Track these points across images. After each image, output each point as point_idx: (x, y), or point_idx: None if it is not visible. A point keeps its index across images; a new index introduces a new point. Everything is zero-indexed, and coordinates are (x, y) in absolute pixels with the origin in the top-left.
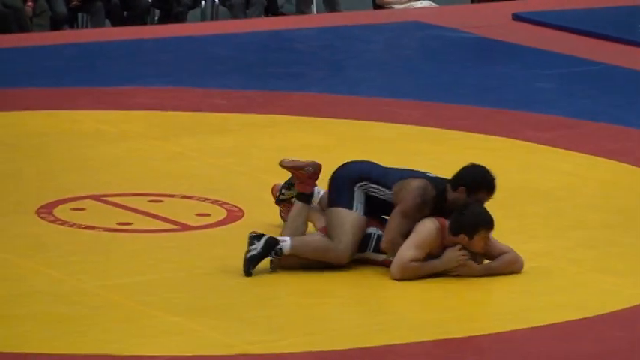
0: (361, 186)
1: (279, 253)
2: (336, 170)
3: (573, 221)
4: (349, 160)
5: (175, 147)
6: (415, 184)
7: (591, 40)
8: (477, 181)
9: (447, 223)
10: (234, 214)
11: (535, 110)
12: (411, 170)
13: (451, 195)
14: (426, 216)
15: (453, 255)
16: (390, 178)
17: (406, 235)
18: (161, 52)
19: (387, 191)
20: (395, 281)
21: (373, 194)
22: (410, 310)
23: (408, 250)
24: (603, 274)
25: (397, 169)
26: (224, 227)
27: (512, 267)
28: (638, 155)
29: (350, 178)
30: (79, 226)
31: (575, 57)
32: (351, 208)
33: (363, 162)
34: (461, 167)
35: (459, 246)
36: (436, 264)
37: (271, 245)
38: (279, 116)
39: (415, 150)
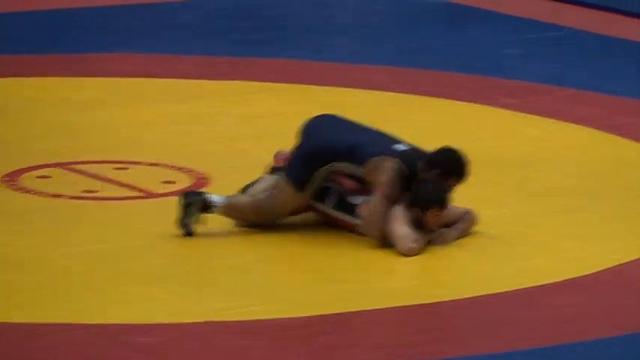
0: (327, 167)
1: (208, 204)
2: (305, 136)
3: (542, 187)
4: (320, 118)
5: (142, 114)
6: (389, 165)
7: (560, 4)
8: (454, 168)
9: None
10: (200, 181)
11: (504, 76)
12: (385, 140)
13: (424, 173)
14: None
15: (433, 220)
16: (362, 153)
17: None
18: (128, 19)
19: (357, 168)
20: (358, 250)
21: (339, 170)
22: (374, 277)
23: (403, 229)
24: (570, 241)
25: (370, 139)
26: None
27: (474, 224)
28: (608, 121)
29: (315, 156)
30: (45, 194)
31: (543, 22)
32: (301, 190)
33: (333, 129)
34: (440, 148)
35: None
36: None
37: (201, 199)
38: (248, 83)
39: (387, 116)
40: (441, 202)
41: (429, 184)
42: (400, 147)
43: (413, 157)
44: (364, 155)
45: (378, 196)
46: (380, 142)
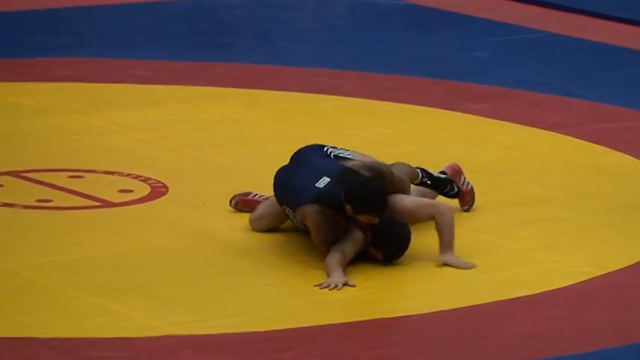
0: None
1: None
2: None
3: (514, 196)
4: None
5: (96, 120)
6: (310, 215)
7: (530, 7)
8: (362, 204)
9: None
10: (158, 190)
11: (472, 80)
12: (309, 180)
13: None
14: (343, 226)
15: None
16: (291, 203)
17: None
18: (80, 22)
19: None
20: (322, 263)
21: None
22: (342, 290)
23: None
24: (545, 252)
25: (297, 184)
26: (147, 203)
27: (452, 221)
28: (581, 127)
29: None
30: None
31: (513, 24)
32: None
33: (285, 174)
34: (354, 183)
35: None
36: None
37: None
38: (205, 88)
39: (350, 123)
40: (376, 210)
41: (368, 186)
42: (322, 183)
43: (331, 194)
44: (292, 206)
45: (321, 248)
46: (303, 186)
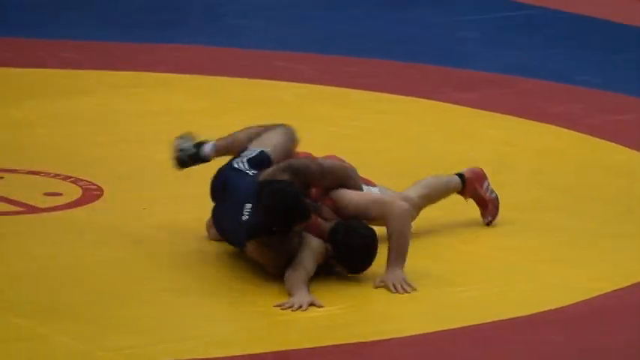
0: None
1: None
2: None
3: (510, 200)
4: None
5: (16, 112)
6: (253, 253)
7: None
8: (281, 219)
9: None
10: (91, 193)
11: (458, 65)
12: (235, 216)
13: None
14: (292, 240)
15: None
16: (236, 243)
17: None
18: None
19: None
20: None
21: None
22: (312, 309)
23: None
24: (546, 265)
25: (226, 225)
26: (78, 209)
27: (406, 220)
28: (587, 119)
29: None
30: None
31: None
32: None
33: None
34: (262, 201)
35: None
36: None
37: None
38: (145, 74)
39: (313, 115)
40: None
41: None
42: (246, 214)
43: (257, 221)
44: (239, 248)
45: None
46: (233, 227)
